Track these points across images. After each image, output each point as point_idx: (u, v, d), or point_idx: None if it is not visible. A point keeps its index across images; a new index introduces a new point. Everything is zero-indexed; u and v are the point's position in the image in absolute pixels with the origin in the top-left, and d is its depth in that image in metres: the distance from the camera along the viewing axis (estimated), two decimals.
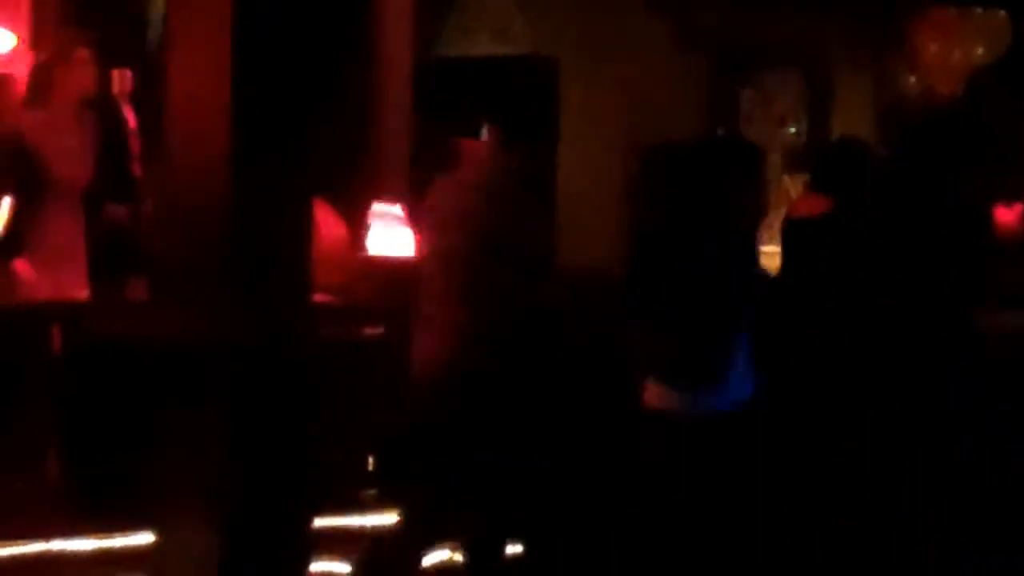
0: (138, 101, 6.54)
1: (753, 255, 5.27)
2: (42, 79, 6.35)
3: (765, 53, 9.12)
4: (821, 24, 9.08)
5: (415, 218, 6.20)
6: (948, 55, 9.28)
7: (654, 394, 5.13)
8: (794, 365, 5.40)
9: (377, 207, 7.06)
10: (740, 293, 5.10)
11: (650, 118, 8.91)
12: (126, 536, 5.62)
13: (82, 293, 6.22)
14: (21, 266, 6.23)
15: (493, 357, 5.36)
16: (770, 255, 6.12)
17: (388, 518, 5.84)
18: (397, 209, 7.02)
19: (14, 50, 7.61)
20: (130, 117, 6.50)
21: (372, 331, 6.61)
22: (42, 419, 6.17)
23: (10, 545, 5.57)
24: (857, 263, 5.49)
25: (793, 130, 9.72)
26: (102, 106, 6.45)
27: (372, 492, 6.25)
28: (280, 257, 5.12)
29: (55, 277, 6.21)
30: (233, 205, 5.02)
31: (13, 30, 7.63)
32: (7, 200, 6.28)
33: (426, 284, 5.41)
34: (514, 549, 6.37)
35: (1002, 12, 9.56)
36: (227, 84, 4.98)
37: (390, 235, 6.95)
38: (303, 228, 5.30)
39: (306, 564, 5.33)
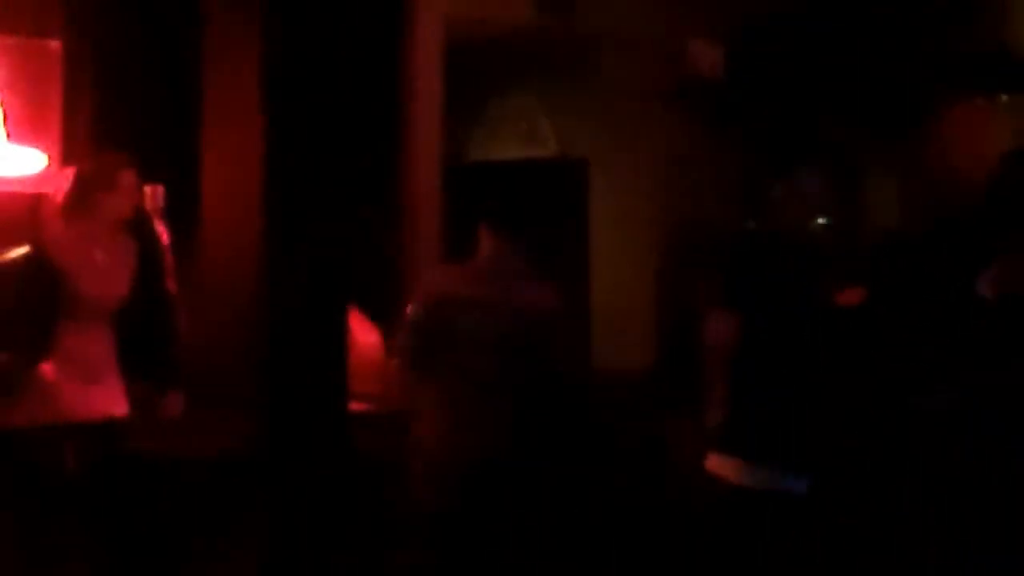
0: (171, 218, 6.53)
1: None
2: (82, 198, 6.37)
3: (797, 147, 9.11)
4: (851, 117, 9.08)
5: None
6: (977, 143, 9.24)
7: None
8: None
9: None
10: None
11: (679, 214, 8.93)
12: None
13: (118, 409, 6.21)
14: (46, 381, 6.21)
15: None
16: None
17: None
18: None
19: (46, 170, 7.66)
20: (163, 233, 6.50)
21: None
22: (73, 537, 6.09)
23: None
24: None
25: (823, 221, 9.67)
26: (137, 224, 6.47)
27: None
28: (315, 368, 5.13)
29: (88, 393, 6.20)
30: (268, 317, 5.04)
31: (44, 148, 7.68)
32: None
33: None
34: None
35: None
36: (259, 203, 5.01)
37: None
38: (338, 337, 5.31)
39: None
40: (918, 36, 9.32)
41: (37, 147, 7.67)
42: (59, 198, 6.53)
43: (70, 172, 6.66)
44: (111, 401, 6.21)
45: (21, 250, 6.73)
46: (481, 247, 5.70)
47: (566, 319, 8.15)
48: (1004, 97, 9.75)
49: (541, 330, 5.70)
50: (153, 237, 6.49)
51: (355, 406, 5.69)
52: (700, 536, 5.35)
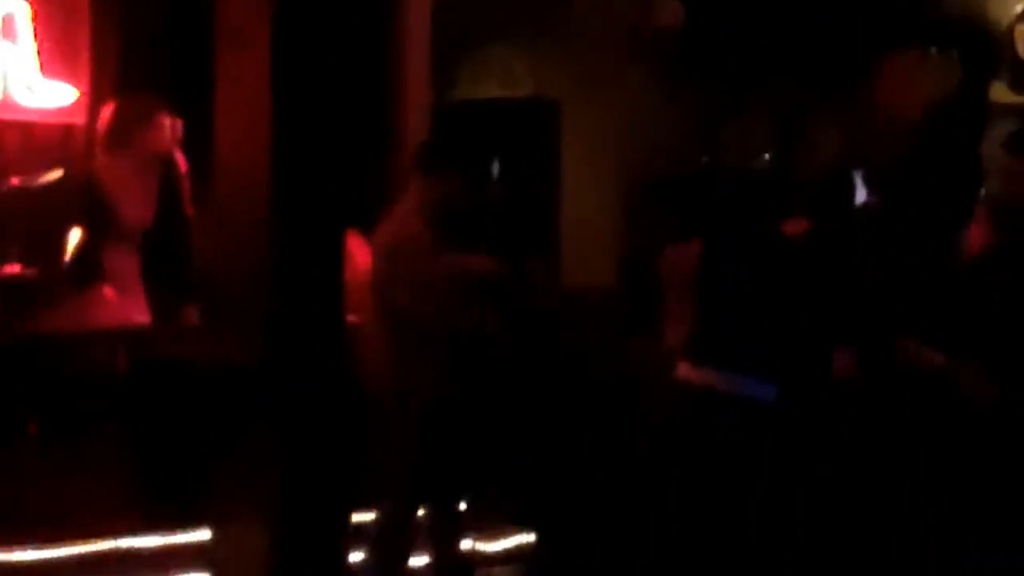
0: (188, 151, 6.63)
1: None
2: (123, 133, 6.47)
3: (745, 98, 9.18)
4: (798, 66, 9.11)
5: None
6: (909, 92, 9.38)
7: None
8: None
9: None
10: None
11: (642, 151, 8.95)
12: (187, 533, 5.71)
13: (143, 319, 6.33)
14: (108, 292, 6.39)
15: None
16: None
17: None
18: None
19: (76, 103, 7.70)
20: (181, 162, 6.61)
21: None
22: (113, 431, 6.22)
23: (86, 543, 5.68)
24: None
25: (767, 157, 9.73)
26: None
27: None
28: (316, 283, 5.23)
29: (119, 305, 6.34)
30: (274, 237, 5.15)
31: (75, 84, 7.71)
32: (76, 232, 6.40)
33: None
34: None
35: (955, 52, 9.70)
36: (267, 134, 5.12)
37: None
38: (336, 256, 5.40)
39: (346, 555, 5.48)
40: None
41: (68, 81, 7.73)
42: (101, 132, 6.63)
43: (109, 108, 6.75)
44: (137, 310, 6.33)
45: (55, 173, 6.85)
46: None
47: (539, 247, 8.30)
48: (932, 50, 9.88)
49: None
50: (172, 164, 6.61)
51: (351, 318, 5.78)
52: (669, 437, 5.38)
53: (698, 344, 5.29)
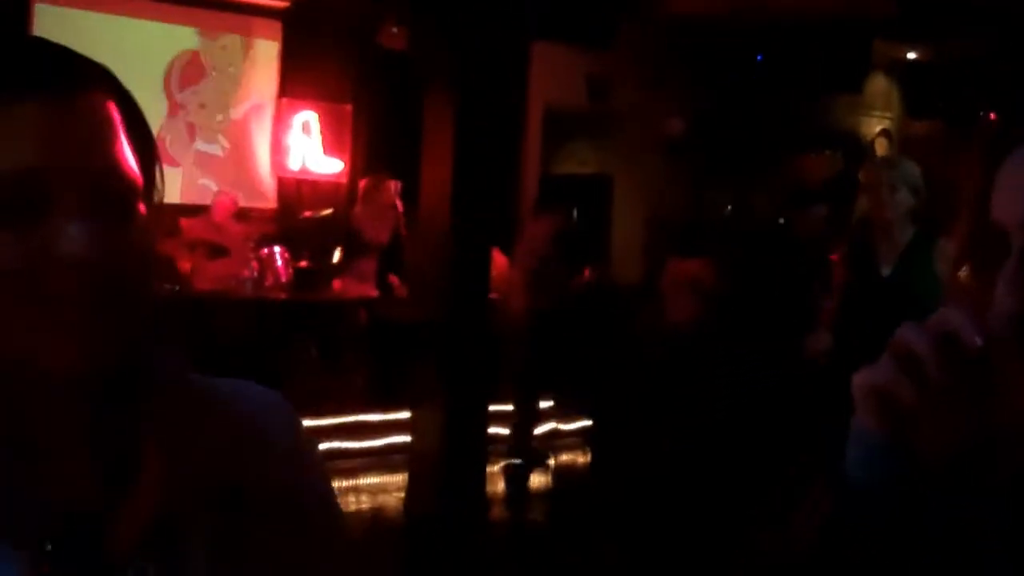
0: (404, 198, 6.58)
1: None
2: (368, 194, 6.44)
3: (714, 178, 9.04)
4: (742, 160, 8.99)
5: None
6: (813, 173, 9.27)
7: None
8: None
9: None
10: None
11: (660, 205, 8.88)
12: (399, 412, 5.65)
13: (373, 292, 6.32)
14: (349, 280, 6.32)
15: None
16: None
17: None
18: None
19: (341, 170, 7.76)
20: (399, 205, 6.56)
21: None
22: (356, 354, 6.27)
23: (337, 416, 5.66)
24: None
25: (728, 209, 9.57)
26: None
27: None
28: (475, 274, 5.15)
29: (361, 285, 6.33)
30: (453, 251, 5.07)
31: (341, 159, 7.78)
32: (338, 248, 6.42)
33: None
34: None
35: (839, 151, 9.55)
36: (450, 190, 5.04)
37: None
38: (486, 260, 5.33)
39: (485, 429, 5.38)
40: (787, 117, 9.19)
41: (338, 157, 7.78)
42: (358, 191, 6.65)
43: (362, 180, 6.75)
44: (370, 288, 6.33)
45: (327, 211, 6.87)
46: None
47: (598, 260, 8.15)
48: (827, 152, 9.69)
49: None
50: (396, 210, 6.54)
51: (492, 296, 5.72)
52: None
53: None
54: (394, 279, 6.23)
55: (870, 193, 3.33)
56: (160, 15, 7.16)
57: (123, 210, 0.66)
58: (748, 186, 8.91)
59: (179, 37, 7.30)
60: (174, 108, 7.29)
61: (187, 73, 7.34)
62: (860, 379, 0.66)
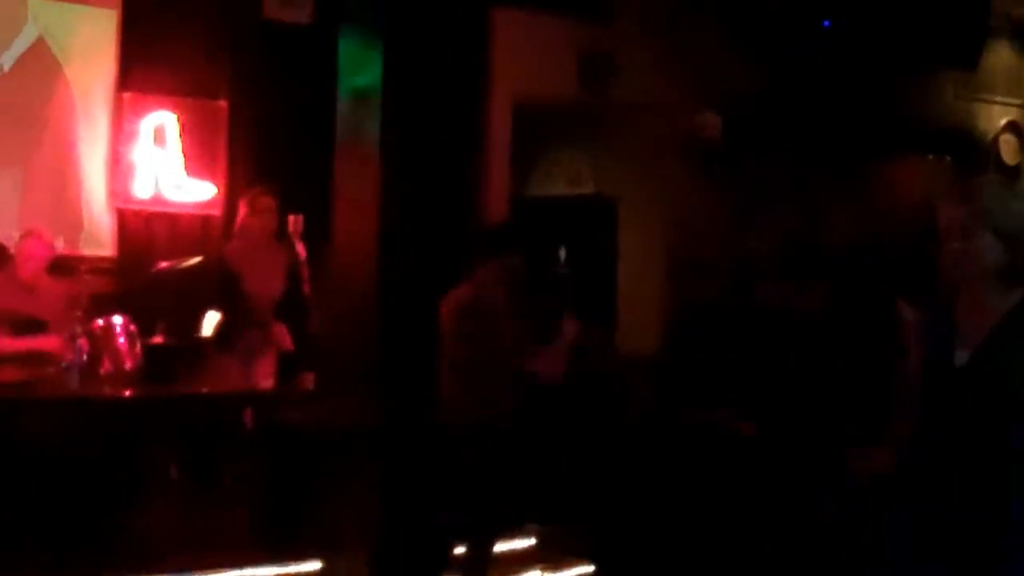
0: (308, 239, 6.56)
1: None
2: (245, 222, 6.49)
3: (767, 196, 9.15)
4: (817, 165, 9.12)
5: None
6: (905, 191, 9.42)
7: None
8: None
9: None
10: None
11: (686, 237, 8.92)
12: (302, 563, 5.59)
13: (268, 384, 6.27)
14: (238, 361, 6.36)
15: None
16: None
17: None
18: None
19: (214, 198, 7.72)
20: (301, 250, 6.54)
21: None
22: (239, 478, 6.16)
23: (216, 572, 5.58)
24: None
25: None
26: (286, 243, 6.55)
27: None
28: (418, 354, 5.13)
29: (248, 371, 6.28)
30: (383, 318, 5.05)
31: (214, 183, 7.73)
32: (214, 314, 6.38)
33: None
34: None
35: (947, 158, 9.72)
36: (376, 225, 5.03)
37: None
38: (432, 333, 5.30)
39: None
40: (870, 107, 9.30)
41: (207, 179, 7.74)
42: (237, 220, 6.68)
43: (241, 201, 6.77)
44: (264, 376, 6.29)
45: (194, 260, 6.83)
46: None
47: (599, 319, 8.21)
48: (928, 156, 9.83)
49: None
50: (295, 253, 6.56)
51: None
52: None
53: None
54: (297, 362, 6.22)
55: (944, 236, 3.28)
56: None
57: None
58: (812, 209, 9.02)
59: None
60: None
61: None
62: None
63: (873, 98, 9.36)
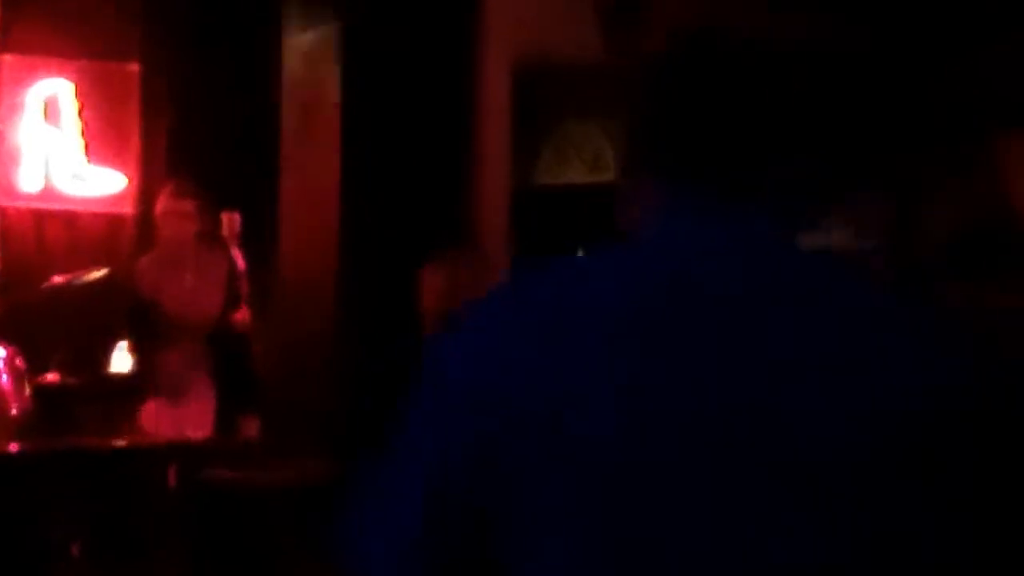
0: (246, 243, 6.53)
1: None
2: (164, 217, 6.48)
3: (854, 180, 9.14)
4: (902, 147, 9.10)
5: None
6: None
7: None
8: None
9: None
10: None
11: None
12: None
13: (201, 432, 6.24)
14: (159, 403, 6.35)
15: None
16: None
17: None
18: None
19: (124, 191, 7.71)
20: (238, 259, 6.49)
21: None
22: (160, 553, 6.13)
23: None
24: None
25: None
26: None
27: None
28: (387, 394, 5.13)
29: (175, 416, 6.26)
30: (345, 347, 5.04)
31: (124, 172, 7.73)
32: (123, 344, 6.36)
33: None
34: None
35: None
36: (336, 228, 5.03)
37: None
38: (409, 363, 5.31)
39: None
40: (972, 70, 9.31)
41: (116, 168, 7.73)
42: (155, 220, 6.66)
43: (161, 196, 6.74)
44: (196, 422, 6.26)
45: (99, 272, 6.80)
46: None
47: None
48: None
49: None
50: (231, 263, 6.53)
51: None
52: None
53: None
54: (236, 404, 6.26)
55: None
56: None
57: None
58: (914, 192, 9.02)
59: None
60: None
61: None
62: None
63: (980, 56, 9.37)
